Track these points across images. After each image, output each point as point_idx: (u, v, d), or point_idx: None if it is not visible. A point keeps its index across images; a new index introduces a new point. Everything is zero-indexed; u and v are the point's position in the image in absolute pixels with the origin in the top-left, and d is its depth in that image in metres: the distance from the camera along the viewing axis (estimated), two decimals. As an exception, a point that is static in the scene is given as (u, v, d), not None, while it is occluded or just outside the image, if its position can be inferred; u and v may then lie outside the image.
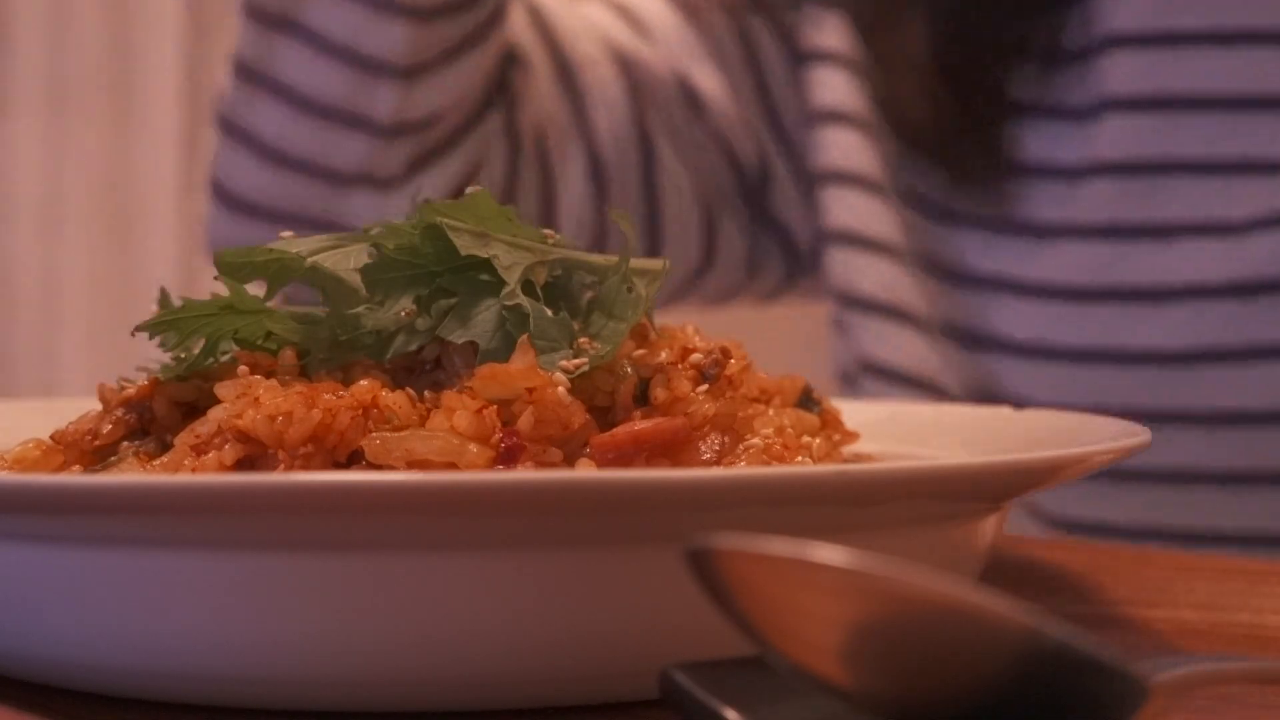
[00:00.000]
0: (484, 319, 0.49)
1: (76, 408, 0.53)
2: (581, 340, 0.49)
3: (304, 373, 0.50)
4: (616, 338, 0.49)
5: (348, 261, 0.50)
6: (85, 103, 2.90)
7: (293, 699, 0.42)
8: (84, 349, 2.89)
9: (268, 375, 0.49)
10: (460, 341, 0.49)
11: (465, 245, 0.49)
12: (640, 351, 0.50)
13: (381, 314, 0.50)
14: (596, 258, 0.52)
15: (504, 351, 0.48)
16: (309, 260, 0.50)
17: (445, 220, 0.50)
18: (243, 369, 0.49)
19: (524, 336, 0.48)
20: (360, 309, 0.50)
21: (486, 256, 0.49)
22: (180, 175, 2.93)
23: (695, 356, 0.50)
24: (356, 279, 0.50)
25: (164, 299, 0.51)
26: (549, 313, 0.49)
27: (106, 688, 0.44)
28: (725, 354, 0.50)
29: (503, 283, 0.49)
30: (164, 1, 2.90)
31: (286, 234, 0.52)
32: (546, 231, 0.52)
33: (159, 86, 2.91)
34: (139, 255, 2.91)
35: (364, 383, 0.47)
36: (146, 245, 2.92)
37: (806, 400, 0.56)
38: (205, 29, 2.93)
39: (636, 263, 0.51)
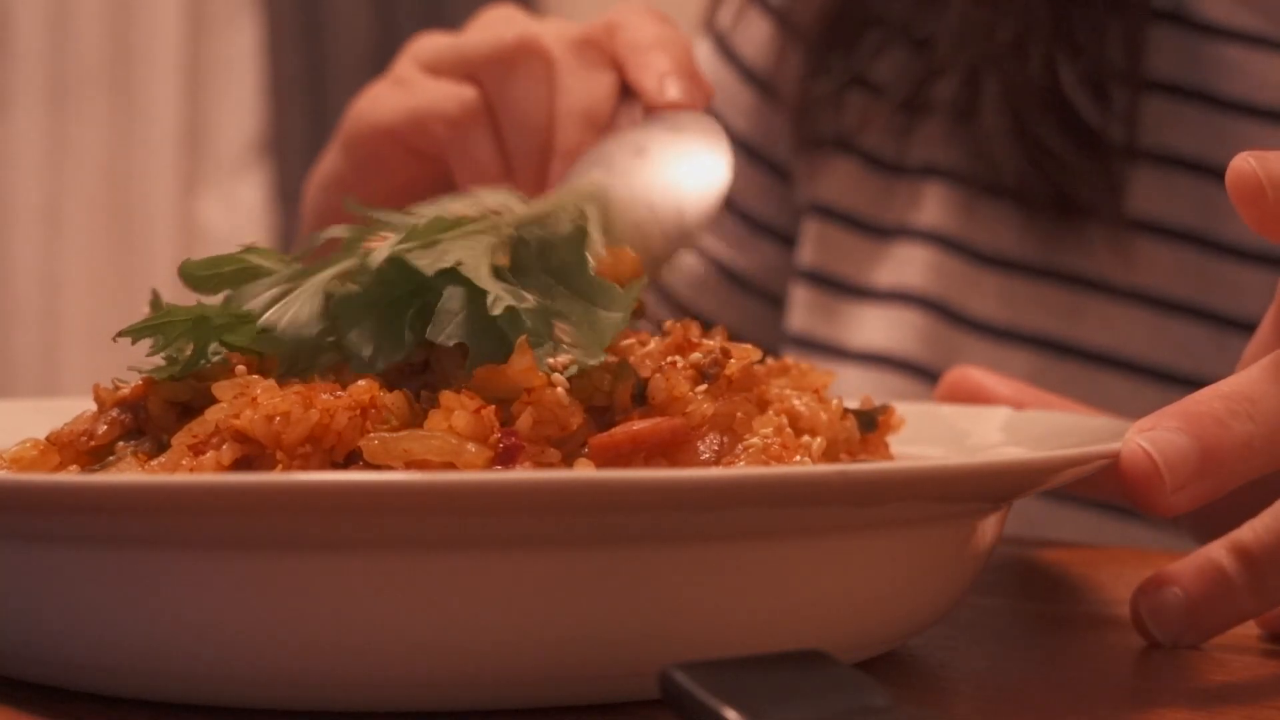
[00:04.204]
0: (464, 319, 0.49)
1: (75, 408, 0.53)
2: (558, 328, 0.49)
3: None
4: (603, 334, 0.49)
5: (302, 313, 0.50)
6: (86, 102, 2.90)
7: (293, 699, 0.42)
8: (84, 350, 2.90)
9: (265, 375, 0.49)
10: (451, 344, 0.48)
11: (428, 264, 0.49)
12: (628, 341, 0.50)
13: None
14: (542, 206, 0.52)
15: (493, 345, 0.48)
16: (261, 322, 0.50)
17: (399, 250, 0.49)
18: (240, 369, 0.49)
19: (522, 338, 0.48)
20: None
21: (451, 266, 0.49)
22: (180, 175, 2.93)
23: (695, 356, 0.50)
24: (312, 330, 0.51)
25: (155, 302, 0.51)
26: (529, 298, 0.49)
27: (107, 688, 0.44)
28: (725, 353, 0.50)
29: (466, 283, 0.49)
30: (164, 1, 2.91)
31: (249, 242, 0.52)
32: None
33: (159, 87, 2.91)
34: (139, 255, 2.91)
35: (362, 383, 0.47)
36: (146, 245, 2.92)
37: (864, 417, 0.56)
38: (205, 29, 2.94)
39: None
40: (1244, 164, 0.50)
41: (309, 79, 2.87)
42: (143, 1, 2.91)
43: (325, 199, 0.83)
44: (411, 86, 0.77)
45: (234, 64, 2.94)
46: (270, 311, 0.50)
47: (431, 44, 0.78)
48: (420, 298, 0.50)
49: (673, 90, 0.72)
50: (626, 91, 0.74)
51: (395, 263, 0.50)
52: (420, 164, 0.78)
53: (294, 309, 0.50)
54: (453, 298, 0.49)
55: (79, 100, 2.90)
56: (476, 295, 0.49)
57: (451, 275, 0.49)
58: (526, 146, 0.74)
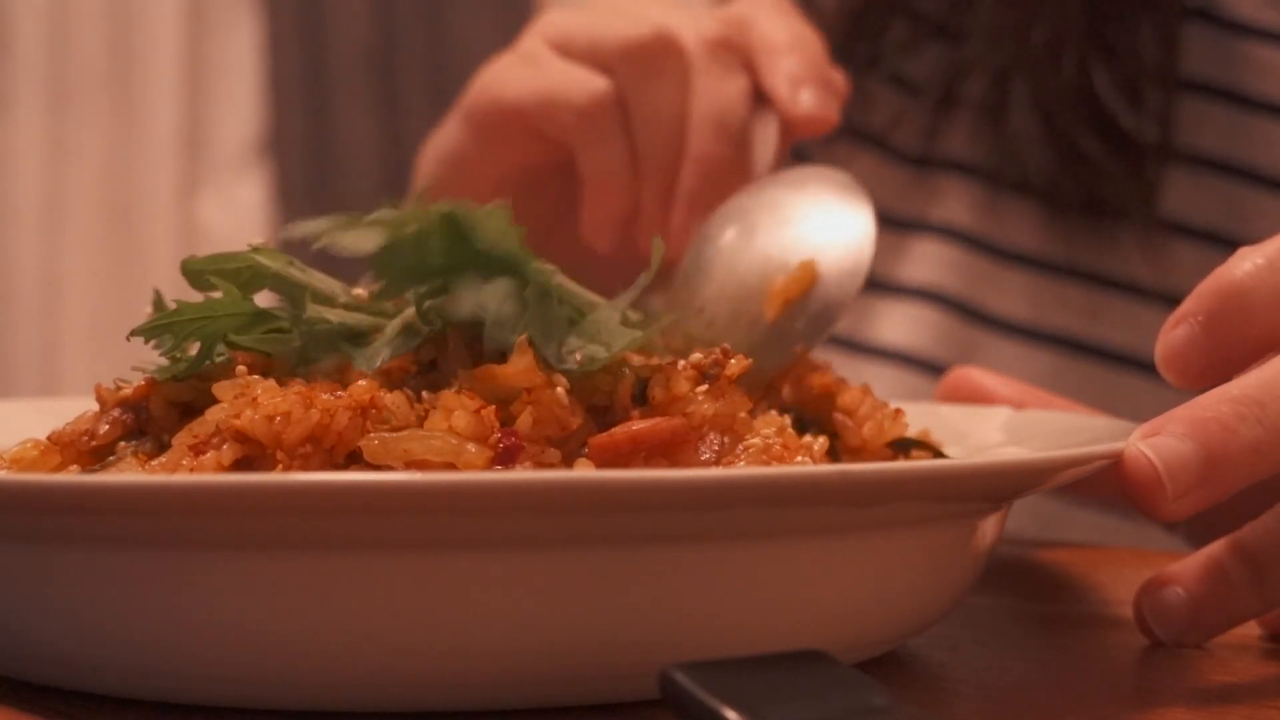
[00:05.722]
0: (494, 289, 0.48)
1: (76, 408, 0.53)
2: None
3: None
4: (591, 363, 0.49)
5: (362, 243, 0.49)
6: (85, 102, 2.90)
7: (293, 699, 0.42)
8: (84, 350, 2.90)
9: (265, 375, 0.49)
10: (464, 315, 0.48)
11: (488, 238, 0.48)
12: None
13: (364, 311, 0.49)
14: (589, 294, 0.52)
15: (511, 322, 0.48)
16: (321, 240, 0.49)
17: (464, 213, 0.49)
18: (241, 369, 0.49)
19: (521, 338, 0.47)
20: (329, 309, 0.50)
21: (503, 254, 0.48)
22: (180, 175, 2.93)
23: (695, 356, 0.50)
24: (332, 285, 0.50)
25: (158, 301, 0.51)
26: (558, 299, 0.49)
27: (106, 688, 0.44)
28: (725, 354, 0.50)
29: (515, 270, 0.48)
30: (164, 2, 2.90)
31: (257, 240, 0.52)
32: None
33: (159, 87, 2.91)
34: (139, 255, 2.91)
35: (362, 383, 0.47)
36: (146, 245, 2.92)
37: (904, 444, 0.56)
38: (205, 29, 2.94)
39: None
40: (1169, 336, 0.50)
41: (309, 79, 2.86)
42: (143, 2, 2.91)
43: (443, 172, 0.80)
44: (541, 66, 0.75)
45: (234, 64, 2.94)
46: (333, 233, 0.49)
47: (562, 22, 0.76)
48: (438, 279, 0.49)
49: (806, 99, 0.71)
50: (759, 95, 0.73)
51: (449, 225, 0.48)
52: (542, 147, 0.76)
53: (352, 238, 0.49)
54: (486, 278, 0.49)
55: (79, 101, 2.90)
56: (509, 274, 0.49)
57: (490, 264, 0.49)
58: (657, 147, 0.73)
